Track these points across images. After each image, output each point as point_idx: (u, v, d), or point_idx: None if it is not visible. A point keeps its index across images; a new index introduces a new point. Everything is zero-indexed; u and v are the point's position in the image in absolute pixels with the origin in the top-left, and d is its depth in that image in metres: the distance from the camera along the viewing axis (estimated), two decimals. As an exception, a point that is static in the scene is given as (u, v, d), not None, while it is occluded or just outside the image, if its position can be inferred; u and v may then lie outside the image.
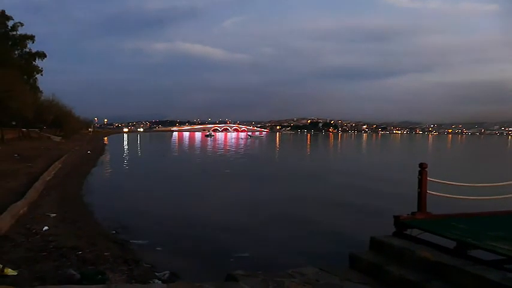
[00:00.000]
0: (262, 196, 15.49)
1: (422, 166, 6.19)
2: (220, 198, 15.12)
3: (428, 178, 6.20)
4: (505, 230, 5.54)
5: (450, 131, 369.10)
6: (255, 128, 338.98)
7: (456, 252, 4.94)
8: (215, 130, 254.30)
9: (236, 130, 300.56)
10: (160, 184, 18.82)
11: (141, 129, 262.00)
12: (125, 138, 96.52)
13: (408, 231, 5.89)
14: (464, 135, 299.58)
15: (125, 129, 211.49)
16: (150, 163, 31.01)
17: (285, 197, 15.36)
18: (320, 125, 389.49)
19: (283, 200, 14.63)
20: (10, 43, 45.63)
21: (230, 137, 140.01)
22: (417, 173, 6.26)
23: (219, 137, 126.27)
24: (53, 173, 17.71)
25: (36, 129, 54.40)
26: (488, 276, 4.13)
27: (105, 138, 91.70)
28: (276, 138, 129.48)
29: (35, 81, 51.88)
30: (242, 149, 56.55)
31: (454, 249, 5.01)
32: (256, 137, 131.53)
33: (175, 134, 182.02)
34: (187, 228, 10.21)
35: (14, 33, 46.17)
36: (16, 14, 50.54)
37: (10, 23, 45.21)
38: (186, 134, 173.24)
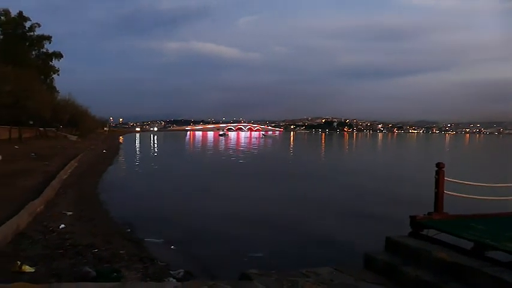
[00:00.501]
0: (275, 196, 15.49)
1: (439, 166, 6.11)
2: (233, 198, 15.16)
3: (445, 178, 6.13)
4: None
5: (468, 130, 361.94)
6: (269, 127, 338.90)
7: (474, 253, 4.87)
8: (229, 129, 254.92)
9: (250, 129, 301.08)
10: (174, 183, 18.92)
11: (155, 129, 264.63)
12: (137, 138, 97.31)
13: (424, 232, 5.84)
14: (482, 135, 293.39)
15: (137, 129, 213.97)
16: (164, 162, 31.11)
17: (299, 197, 15.34)
18: (335, 124, 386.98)
19: (297, 200, 14.61)
20: (27, 44, 46.67)
21: (244, 136, 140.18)
22: (433, 172, 6.19)
23: (233, 137, 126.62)
24: (69, 171, 18.03)
25: (53, 129, 55.51)
26: (506, 278, 4.08)
27: (121, 137, 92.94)
28: (290, 138, 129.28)
29: (52, 81, 53.05)
30: (256, 149, 56.51)
31: (472, 250, 4.94)
32: (270, 137, 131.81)
33: (189, 133, 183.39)
34: (202, 227, 10.28)
35: (31, 34, 47.23)
36: (33, 15, 51.55)
37: (27, 24, 46.26)
38: (200, 134, 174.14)
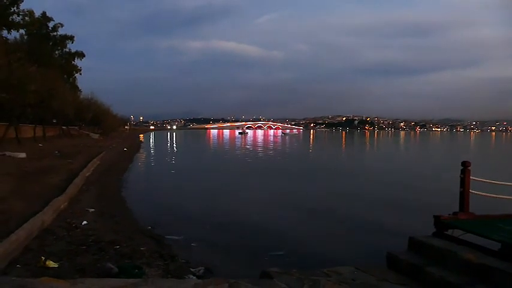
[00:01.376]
0: (297, 194, 15.50)
1: (465, 165, 6.01)
2: (254, 195, 15.22)
3: (471, 177, 6.02)
4: None
5: (494, 128, 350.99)
6: (289, 125, 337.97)
7: (501, 255, 4.76)
8: (249, 128, 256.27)
9: (270, 127, 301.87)
10: (194, 181, 19.09)
11: (174, 127, 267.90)
12: (152, 136, 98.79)
13: (449, 232, 5.76)
14: (509, 133, 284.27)
15: (152, 127, 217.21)
16: (184, 160, 31.53)
17: (320, 195, 15.33)
18: (356, 122, 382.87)
19: (317, 198, 14.65)
20: (51, 43, 47.86)
21: (264, 134, 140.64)
22: (459, 171, 6.08)
23: (252, 135, 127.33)
24: (91, 169, 18.38)
25: (76, 127, 56.90)
26: None
27: (141, 135, 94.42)
28: (310, 136, 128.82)
29: (75, 80, 54.26)
30: (277, 147, 56.51)
31: (499, 252, 4.84)
32: (290, 135, 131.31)
33: (209, 132, 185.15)
34: (222, 224, 10.35)
35: (55, 33, 48.37)
36: (56, 16, 52.80)
37: (51, 24, 47.41)
38: (220, 132, 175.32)
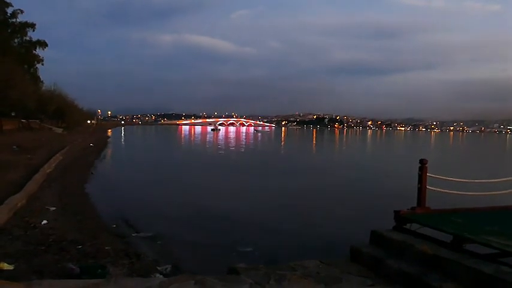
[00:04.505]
0: (264, 189, 15.70)
1: (423, 162, 6.33)
2: (222, 190, 15.31)
3: (428, 174, 6.35)
4: (500, 224, 5.71)
5: (452, 128, 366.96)
6: (262, 122, 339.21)
7: (453, 246, 5.08)
8: (221, 124, 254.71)
9: (242, 124, 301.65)
10: (162, 177, 18.90)
11: (140, 122, 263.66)
12: (120, 132, 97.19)
13: (408, 226, 6.03)
14: (465, 133, 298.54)
15: (122, 122, 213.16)
16: (153, 156, 31.01)
17: (286, 191, 15.58)
18: (326, 120, 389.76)
19: (283, 194, 14.87)
20: (9, 31, 45.48)
21: (236, 131, 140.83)
22: (417, 168, 6.39)
23: (225, 131, 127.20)
24: (53, 165, 17.75)
25: (37, 120, 54.73)
26: (483, 269, 4.30)
27: (109, 130, 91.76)
28: (281, 133, 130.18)
29: (36, 71, 51.98)
30: (248, 144, 56.64)
31: (451, 243, 5.15)
32: (263, 132, 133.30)
33: (181, 128, 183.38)
34: (191, 221, 10.34)
35: (14, 20, 46.00)
36: (16, 1, 50.12)
37: (9, 10, 44.87)
38: (191, 128, 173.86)
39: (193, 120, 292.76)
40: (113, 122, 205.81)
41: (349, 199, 13.90)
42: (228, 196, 14.12)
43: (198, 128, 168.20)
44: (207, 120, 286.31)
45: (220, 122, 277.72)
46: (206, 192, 14.85)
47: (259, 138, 76.93)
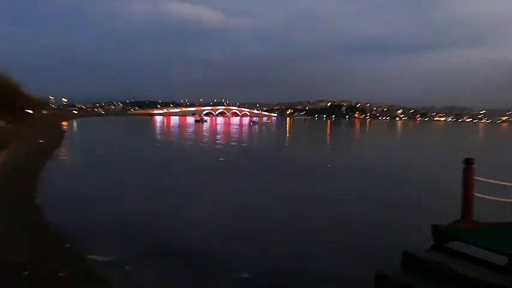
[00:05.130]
0: (257, 199, 15.86)
1: (468, 162, 6.21)
2: (206, 200, 15.46)
3: (475, 177, 6.23)
4: None
5: (505, 118, 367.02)
6: (260, 112, 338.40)
7: (508, 270, 5.01)
8: (208, 114, 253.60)
9: (235, 114, 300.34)
10: (130, 183, 19.00)
11: (103, 112, 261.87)
12: (79, 124, 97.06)
13: (449, 244, 5.99)
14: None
15: (75, 112, 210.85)
16: (120, 157, 31.07)
17: (291, 200, 15.65)
18: (343, 109, 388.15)
19: (287, 202, 15.08)
20: None
21: (225, 123, 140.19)
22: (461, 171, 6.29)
23: (211, 123, 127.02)
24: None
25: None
26: None
27: (64, 123, 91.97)
28: (286, 125, 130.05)
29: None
30: (242, 140, 56.38)
31: (506, 267, 5.09)
32: (261, 123, 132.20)
33: (156, 118, 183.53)
34: (167, 237, 10.38)
35: None
36: None
37: None
38: (168, 119, 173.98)
39: (171, 110, 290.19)
40: (70, 111, 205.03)
41: (375, 210, 13.91)
42: (211, 208, 14.23)
43: (180, 119, 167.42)
44: (190, 109, 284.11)
45: (207, 111, 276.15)
46: (185, 201, 15.06)
47: (256, 132, 76.54)
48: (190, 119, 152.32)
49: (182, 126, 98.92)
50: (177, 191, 17.20)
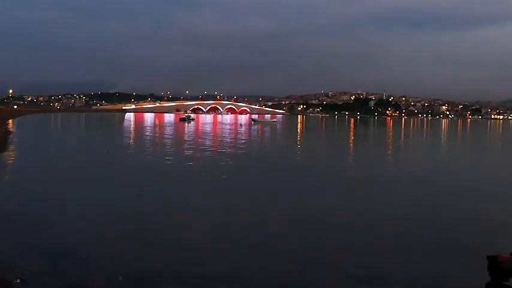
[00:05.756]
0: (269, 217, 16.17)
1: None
2: (189, 228, 15.72)
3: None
4: None
5: None
6: (262, 107, 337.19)
7: None
8: (196, 111, 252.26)
9: (232, 111, 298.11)
10: (93, 202, 19.25)
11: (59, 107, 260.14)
12: (28, 122, 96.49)
13: (510, 281, 5.97)
14: None
15: (15, 107, 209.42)
16: (77, 166, 31.30)
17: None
18: (371, 103, 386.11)
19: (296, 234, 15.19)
20: None
21: (213, 122, 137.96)
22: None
23: (203, 121, 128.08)
24: None
25: None
26: None
27: (10, 121, 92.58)
28: (297, 124, 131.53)
29: None
30: (237, 145, 56.09)
31: None
32: (266, 122, 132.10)
33: (128, 115, 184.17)
34: (129, 264, 10.94)
35: None
36: None
37: None
38: (139, 116, 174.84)
39: (149, 104, 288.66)
40: (17, 106, 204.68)
41: (418, 234, 14.42)
42: (196, 239, 14.39)
43: (161, 116, 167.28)
44: (173, 103, 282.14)
45: (194, 106, 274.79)
46: (163, 234, 15.00)
47: (255, 133, 75.33)
48: (170, 117, 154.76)
49: (161, 126, 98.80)
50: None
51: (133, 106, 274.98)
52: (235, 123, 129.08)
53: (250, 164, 35.44)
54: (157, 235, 14.15)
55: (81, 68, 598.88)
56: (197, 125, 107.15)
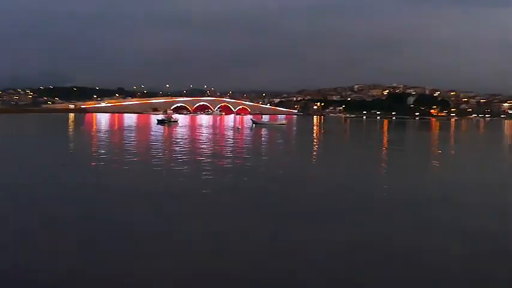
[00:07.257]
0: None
1: None
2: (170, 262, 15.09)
3: None
4: None
5: None
6: (267, 105, 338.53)
7: None
8: (179, 109, 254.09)
9: (227, 110, 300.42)
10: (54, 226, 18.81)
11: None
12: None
13: None
14: None
15: None
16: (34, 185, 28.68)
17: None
18: (410, 100, 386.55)
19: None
20: None
21: (191, 125, 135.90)
22: None
23: (187, 123, 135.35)
24: None
25: None
26: None
27: None
28: (313, 128, 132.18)
29: None
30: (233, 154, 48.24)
31: None
32: (270, 125, 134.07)
33: (91, 116, 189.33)
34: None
35: None
36: None
37: None
38: (90, 117, 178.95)
39: (118, 102, 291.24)
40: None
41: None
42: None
43: (130, 117, 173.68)
44: (150, 100, 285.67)
45: (178, 104, 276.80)
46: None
47: (254, 145, 66.57)
48: (148, 118, 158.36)
49: (122, 131, 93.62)
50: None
51: (106, 103, 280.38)
52: (234, 127, 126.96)
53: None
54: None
55: (29, 56, 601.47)
56: (171, 130, 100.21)
